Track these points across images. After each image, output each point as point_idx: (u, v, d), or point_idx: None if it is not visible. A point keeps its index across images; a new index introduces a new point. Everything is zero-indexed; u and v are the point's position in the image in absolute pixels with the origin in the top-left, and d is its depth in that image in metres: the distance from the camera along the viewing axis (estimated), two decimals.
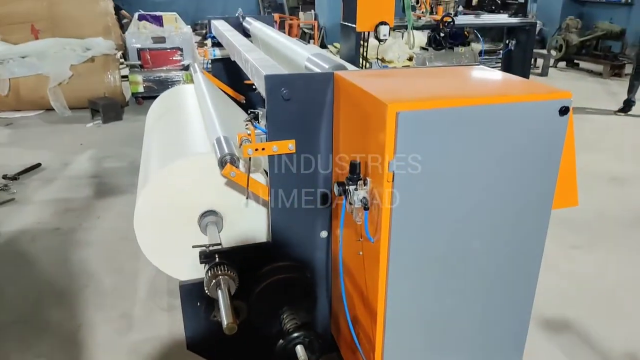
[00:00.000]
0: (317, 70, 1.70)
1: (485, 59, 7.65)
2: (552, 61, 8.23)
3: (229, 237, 1.99)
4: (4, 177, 3.75)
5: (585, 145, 4.49)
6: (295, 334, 1.58)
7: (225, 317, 1.48)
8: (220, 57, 3.03)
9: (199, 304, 1.77)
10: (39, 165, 4.02)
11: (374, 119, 1.27)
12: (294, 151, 1.57)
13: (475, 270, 1.45)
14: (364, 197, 1.32)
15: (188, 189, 1.82)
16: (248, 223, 1.88)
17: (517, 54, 6.58)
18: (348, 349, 1.76)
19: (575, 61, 8.45)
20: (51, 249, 2.84)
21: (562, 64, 8.54)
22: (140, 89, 5.78)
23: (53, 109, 5.42)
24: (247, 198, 1.82)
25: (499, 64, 7.15)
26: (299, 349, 1.56)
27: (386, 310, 1.41)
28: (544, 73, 7.84)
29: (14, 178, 3.76)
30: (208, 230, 1.97)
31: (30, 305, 2.36)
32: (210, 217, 1.98)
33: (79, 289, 2.48)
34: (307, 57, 1.84)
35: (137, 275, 2.58)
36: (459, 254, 1.41)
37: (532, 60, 7.51)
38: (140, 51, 5.87)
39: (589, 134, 4.98)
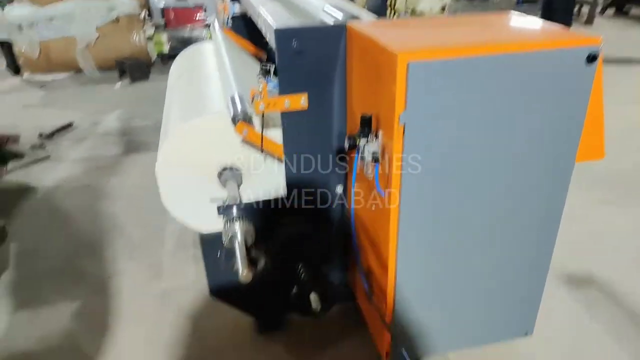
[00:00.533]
0: (331, 21, 1.68)
1: (524, 7, 7.27)
2: (598, 9, 7.75)
3: (248, 191, 2.04)
4: (40, 136, 3.90)
5: (629, 97, 4.32)
6: (309, 283, 1.64)
7: (240, 267, 1.55)
8: (240, 13, 3.00)
9: (218, 254, 1.85)
10: (71, 124, 4.16)
11: (384, 71, 1.25)
12: (307, 107, 1.57)
13: (490, 223, 1.46)
14: (375, 151, 1.33)
15: (206, 146, 1.86)
16: (267, 178, 1.92)
17: (558, 1, 6.22)
18: (364, 299, 1.82)
19: (624, 10, 7.94)
20: (83, 205, 2.97)
21: (610, 11, 8.04)
22: (165, 48, 5.81)
23: (82, 71, 5.54)
24: (262, 153, 1.85)
25: (539, 13, 6.80)
26: (313, 297, 1.62)
27: (397, 263, 1.44)
28: (588, 22, 7.39)
29: (49, 137, 3.91)
30: (227, 185, 2.02)
31: (65, 256, 2.50)
32: (229, 173, 2.03)
33: (109, 242, 2.61)
34: (322, 9, 1.81)
35: (163, 229, 2.69)
36: (473, 208, 1.41)
37: (576, 8, 7.10)
38: (164, 10, 5.87)
39: (635, 86, 4.77)
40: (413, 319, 1.57)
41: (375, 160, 1.32)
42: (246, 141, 1.85)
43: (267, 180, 1.92)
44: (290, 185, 1.80)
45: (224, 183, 2.01)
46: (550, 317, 1.92)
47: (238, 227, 1.73)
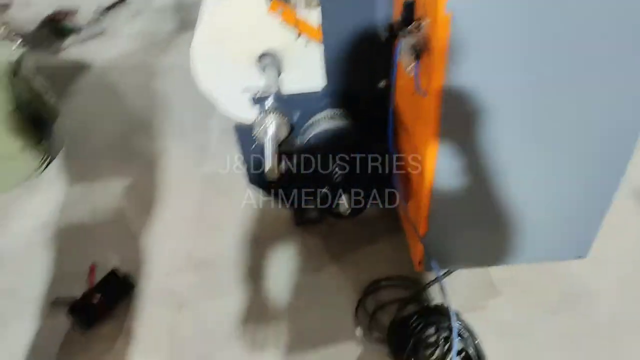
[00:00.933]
0: None
1: None
2: None
3: (289, 80, 1.94)
4: (96, 10, 3.86)
5: None
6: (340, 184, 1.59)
7: (267, 162, 1.51)
8: None
9: (253, 146, 1.81)
10: None
11: None
12: None
13: (553, 126, 1.25)
14: (415, 45, 1.15)
15: (245, 28, 1.74)
16: (310, 67, 1.79)
17: None
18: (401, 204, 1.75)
19: None
20: (137, 82, 3.00)
21: None
22: None
23: None
24: (298, 36, 1.71)
25: None
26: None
27: (436, 171, 1.33)
28: None
29: (105, 12, 3.87)
30: (266, 72, 1.92)
31: (119, 134, 2.59)
32: (269, 59, 1.92)
33: (160, 121, 2.65)
34: None
35: (213, 111, 2.68)
36: (534, 107, 1.21)
37: None
38: None
39: None
40: (449, 228, 1.49)
41: (417, 56, 1.15)
42: (285, 23, 1.71)
43: (310, 70, 1.80)
44: (330, 75, 1.67)
45: (262, 69, 1.92)
46: (612, 238, 1.70)
47: (271, 120, 1.66)
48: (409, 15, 1.16)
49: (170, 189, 2.23)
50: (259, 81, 1.81)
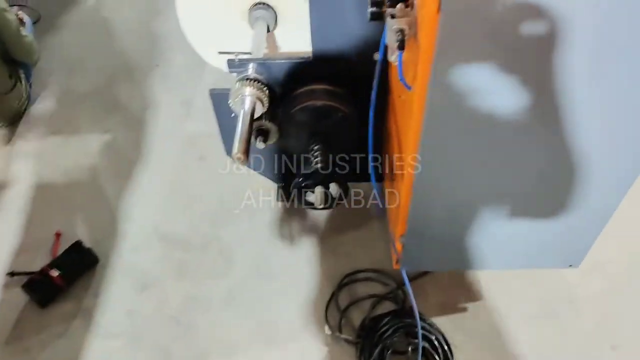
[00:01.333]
0: None
1: None
2: None
3: (281, 39, 1.69)
4: None
5: None
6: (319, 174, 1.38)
7: (235, 147, 1.29)
8: None
9: (233, 114, 1.60)
10: None
11: None
12: None
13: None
14: (401, 30, 0.89)
15: None
16: (306, 26, 1.53)
17: None
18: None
19: None
20: (133, 19, 2.72)
21: None
22: None
23: None
24: None
25: None
26: (317, 190, 1.38)
27: (415, 175, 1.10)
28: None
29: None
30: (255, 27, 1.67)
31: (105, 79, 2.37)
32: (261, 11, 1.66)
33: (150, 67, 2.42)
34: None
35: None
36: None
37: None
38: None
39: None
40: (429, 230, 1.28)
41: (401, 46, 0.90)
42: None
43: (307, 28, 1.53)
44: (318, 43, 1.41)
45: (253, 22, 1.67)
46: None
47: (248, 92, 1.43)
48: None
49: (151, 149, 2.03)
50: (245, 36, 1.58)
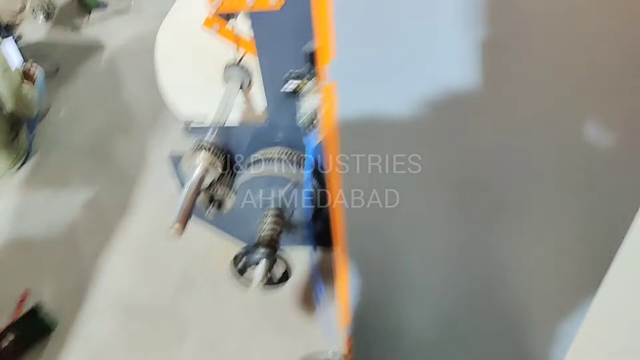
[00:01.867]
0: None
1: None
2: None
3: (258, 97, 1.64)
4: None
5: None
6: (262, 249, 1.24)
7: (174, 218, 1.19)
8: None
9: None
10: None
11: None
12: (278, 6, 1.00)
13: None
14: (314, 110, 0.77)
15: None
16: None
17: None
18: None
19: None
20: (144, 68, 2.75)
21: None
22: None
23: None
24: (239, 53, 1.38)
25: None
26: (257, 271, 1.23)
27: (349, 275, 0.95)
28: None
29: None
30: (226, 86, 1.62)
31: (105, 130, 2.38)
32: (235, 70, 1.63)
33: (153, 118, 2.39)
34: None
35: None
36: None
37: None
38: None
39: None
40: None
41: (311, 124, 0.77)
42: (223, 39, 1.40)
43: None
44: (271, 107, 1.31)
45: (226, 80, 1.64)
46: None
47: (201, 159, 1.34)
48: (311, 64, 0.78)
49: (133, 209, 1.96)
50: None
